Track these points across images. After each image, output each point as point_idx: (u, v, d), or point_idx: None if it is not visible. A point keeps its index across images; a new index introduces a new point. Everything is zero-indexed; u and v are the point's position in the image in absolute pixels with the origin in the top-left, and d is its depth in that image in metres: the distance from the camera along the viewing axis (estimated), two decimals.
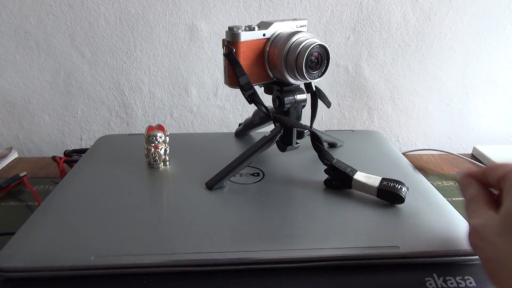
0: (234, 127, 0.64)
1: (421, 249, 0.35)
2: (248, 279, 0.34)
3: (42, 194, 0.55)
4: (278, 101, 0.46)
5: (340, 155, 0.55)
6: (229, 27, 0.42)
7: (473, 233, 0.31)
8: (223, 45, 0.43)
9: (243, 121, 0.61)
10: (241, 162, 0.46)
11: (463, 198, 0.34)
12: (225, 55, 0.42)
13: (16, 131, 0.79)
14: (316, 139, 0.46)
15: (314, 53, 0.41)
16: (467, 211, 0.33)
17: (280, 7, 0.71)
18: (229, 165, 0.46)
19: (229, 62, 0.42)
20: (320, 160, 0.45)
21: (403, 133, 0.82)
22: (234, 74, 0.43)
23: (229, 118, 0.80)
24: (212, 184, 0.45)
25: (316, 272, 0.35)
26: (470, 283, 0.34)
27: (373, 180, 0.42)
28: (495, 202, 0.32)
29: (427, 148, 0.80)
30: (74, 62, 0.75)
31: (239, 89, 0.45)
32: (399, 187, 0.41)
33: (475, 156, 0.71)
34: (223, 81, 0.46)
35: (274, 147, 0.48)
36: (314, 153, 0.55)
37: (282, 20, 0.45)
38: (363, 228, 0.38)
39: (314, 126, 0.53)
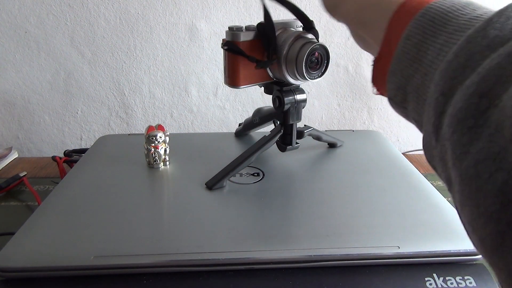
0: (234, 127, 0.64)
1: (421, 249, 0.35)
2: (248, 279, 0.34)
3: (42, 194, 0.55)
4: (278, 101, 0.46)
5: (340, 155, 0.55)
6: (229, 27, 0.42)
7: None
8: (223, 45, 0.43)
9: (243, 121, 0.61)
10: (241, 162, 0.46)
11: None
12: (224, 47, 0.42)
13: (16, 131, 0.79)
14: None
15: (314, 53, 0.41)
16: None
17: (280, 7, 0.71)
18: (229, 165, 0.46)
19: (230, 52, 0.42)
20: None
21: (403, 133, 0.82)
22: (237, 70, 0.43)
23: (229, 118, 0.80)
24: (212, 184, 0.45)
25: (316, 272, 0.35)
26: (470, 283, 0.34)
27: None
28: None
29: None
30: (74, 62, 0.75)
31: (239, 89, 0.45)
32: None
33: None
34: (223, 81, 0.46)
35: (274, 147, 0.48)
36: (314, 153, 0.55)
37: (282, 20, 0.45)
38: (363, 228, 0.38)
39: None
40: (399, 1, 0.27)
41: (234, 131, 0.63)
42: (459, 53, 0.19)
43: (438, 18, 0.22)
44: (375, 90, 0.29)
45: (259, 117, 0.56)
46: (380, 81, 0.28)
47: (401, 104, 0.25)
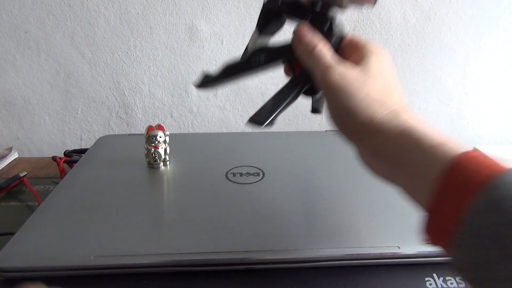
0: (234, 127, 0.64)
1: (421, 249, 0.35)
2: (248, 279, 0.34)
3: (42, 194, 0.55)
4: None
5: (340, 155, 0.55)
6: None
7: (334, 71, 0.30)
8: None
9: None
10: (289, 96, 0.34)
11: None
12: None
13: (16, 131, 0.79)
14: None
15: None
16: (317, 54, 0.31)
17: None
18: (275, 99, 0.34)
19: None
20: None
21: None
22: None
23: (229, 118, 0.80)
24: (261, 119, 0.33)
25: (316, 272, 0.35)
26: None
27: None
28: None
29: None
30: (74, 62, 0.75)
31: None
32: None
33: None
34: None
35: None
36: (314, 153, 0.55)
37: None
38: (363, 228, 0.38)
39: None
40: (450, 154, 0.24)
41: (201, 80, 0.38)
42: None
43: None
44: (426, 238, 0.27)
45: (266, 54, 0.37)
46: (435, 235, 0.26)
47: (472, 277, 0.23)
